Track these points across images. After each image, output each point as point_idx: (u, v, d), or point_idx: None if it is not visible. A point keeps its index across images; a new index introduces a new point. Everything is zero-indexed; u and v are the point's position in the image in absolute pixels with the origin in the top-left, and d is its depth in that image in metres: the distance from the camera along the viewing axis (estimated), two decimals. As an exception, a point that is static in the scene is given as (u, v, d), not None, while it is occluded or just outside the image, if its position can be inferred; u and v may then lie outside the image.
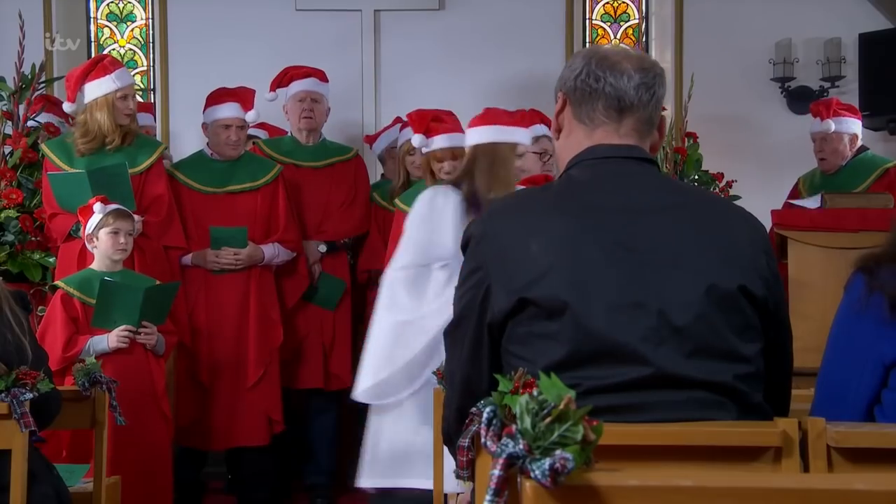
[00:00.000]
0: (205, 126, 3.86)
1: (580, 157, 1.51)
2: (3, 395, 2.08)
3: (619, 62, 1.50)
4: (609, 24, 5.14)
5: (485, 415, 0.94)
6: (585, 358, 1.38)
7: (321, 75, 4.06)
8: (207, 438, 3.71)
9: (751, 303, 1.42)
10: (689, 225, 1.45)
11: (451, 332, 1.52)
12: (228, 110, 3.79)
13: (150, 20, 5.10)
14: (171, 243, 3.66)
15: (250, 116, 3.82)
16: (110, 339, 3.11)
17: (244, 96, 3.83)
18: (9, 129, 3.88)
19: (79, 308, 3.15)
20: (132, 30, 5.15)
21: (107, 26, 5.15)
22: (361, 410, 4.13)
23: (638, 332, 1.38)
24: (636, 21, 5.14)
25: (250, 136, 4.29)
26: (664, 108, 1.57)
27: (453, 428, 1.55)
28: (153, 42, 5.08)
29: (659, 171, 1.54)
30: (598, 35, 5.13)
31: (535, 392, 0.89)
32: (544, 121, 4.09)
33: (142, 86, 5.06)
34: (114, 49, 5.08)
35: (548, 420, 0.85)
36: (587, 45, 5.09)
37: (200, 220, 3.74)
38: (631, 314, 1.38)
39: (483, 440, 0.92)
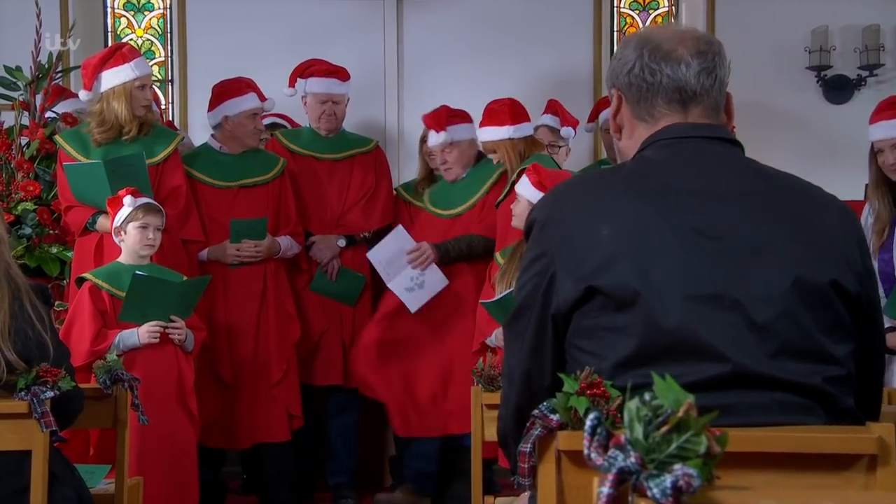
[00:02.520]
0: (225, 119, 3.75)
1: (655, 136, 1.40)
2: (23, 393, 1.99)
3: (673, 50, 1.39)
4: (638, 12, 5.01)
5: (588, 422, 0.83)
6: (657, 353, 1.27)
7: (343, 74, 3.96)
8: (231, 437, 3.63)
9: (842, 299, 1.30)
10: (776, 212, 1.33)
11: (511, 325, 1.41)
12: (252, 101, 3.74)
13: (168, 10, 5.00)
14: (189, 237, 3.58)
15: (268, 105, 3.80)
16: (141, 334, 3.03)
17: (255, 86, 3.79)
18: (25, 120, 3.79)
19: (107, 301, 3.08)
20: (149, 20, 5.05)
21: (123, 16, 5.05)
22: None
23: (715, 327, 1.26)
24: (665, 9, 5.00)
25: (270, 127, 4.23)
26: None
27: (510, 427, 1.44)
28: (171, 32, 4.97)
29: (742, 152, 1.43)
30: (626, 24, 5.00)
31: (647, 396, 0.78)
32: (558, 111, 4.00)
33: (159, 76, 4.96)
34: (131, 39, 4.98)
35: (664, 429, 0.73)
36: (615, 34, 4.97)
37: (214, 214, 3.67)
38: (708, 307, 1.27)
39: (586, 452, 0.80)
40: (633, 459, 0.73)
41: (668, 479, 0.70)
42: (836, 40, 4.65)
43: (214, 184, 3.71)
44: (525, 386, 1.40)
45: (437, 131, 3.76)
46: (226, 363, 3.61)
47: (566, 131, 3.99)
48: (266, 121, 4.26)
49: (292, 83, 3.95)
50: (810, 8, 4.63)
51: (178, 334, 3.10)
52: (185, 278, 3.24)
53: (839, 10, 4.63)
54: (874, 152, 3.18)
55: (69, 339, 2.96)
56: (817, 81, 4.69)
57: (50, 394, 2.00)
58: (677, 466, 0.71)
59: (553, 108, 4.06)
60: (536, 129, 3.93)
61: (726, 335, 1.26)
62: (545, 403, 1.29)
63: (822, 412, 1.29)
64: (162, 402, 2.99)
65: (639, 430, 0.75)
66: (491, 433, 2.32)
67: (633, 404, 0.77)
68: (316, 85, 3.92)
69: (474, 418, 2.33)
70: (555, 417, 1.29)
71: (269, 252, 3.66)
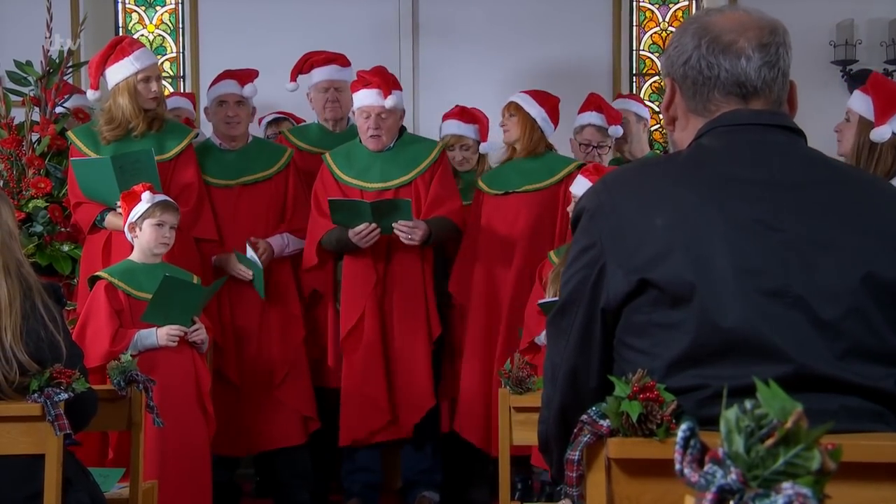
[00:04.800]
0: (207, 111, 3.70)
1: (713, 123, 1.32)
2: (36, 395, 1.91)
3: (734, 42, 1.31)
4: (657, 6, 4.93)
5: (680, 433, 0.74)
6: (713, 352, 1.19)
7: (342, 60, 3.85)
8: (240, 442, 3.54)
9: None
10: (843, 204, 1.25)
11: (556, 321, 1.33)
12: (224, 87, 3.62)
13: (180, 4, 4.94)
14: (201, 235, 3.49)
15: (247, 91, 3.62)
16: (160, 336, 2.96)
17: (242, 74, 3.66)
18: (36, 116, 3.72)
19: (123, 300, 3.01)
20: (161, 15, 4.99)
21: (135, 11, 4.99)
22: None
23: (777, 325, 1.18)
24: (686, 3, 4.91)
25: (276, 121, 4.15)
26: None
27: (553, 431, 1.35)
28: (183, 27, 4.91)
29: (805, 142, 1.34)
30: (645, 18, 4.92)
31: (748, 404, 0.69)
32: (603, 107, 3.78)
33: (170, 73, 4.89)
34: (142, 35, 4.92)
35: (770, 442, 0.65)
36: (634, 28, 4.88)
37: (221, 214, 3.55)
38: (769, 303, 1.19)
39: (678, 466, 0.72)
40: (734, 476, 0.64)
41: (780, 501, 0.62)
42: (861, 34, 4.56)
43: (217, 183, 3.59)
44: (570, 386, 1.32)
45: (385, 94, 3.48)
46: (232, 365, 3.53)
47: (614, 130, 3.74)
48: (270, 117, 4.19)
49: (294, 78, 3.86)
50: (835, 0, 4.54)
51: (198, 336, 3.04)
52: (196, 278, 3.17)
53: (865, 3, 4.54)
54: None
55: (84, 339, 2.89)
56: (842, 76, 4.59)
57: (64, 396, 1.93)
58: (787, 485, 0.63)
59: (597, 103, 3.77)
60: (582, 128, 3.75)
61: (789, 333, 1.18)
62: (594, 408, 1.21)
63: (895, 419, 1.21)
64: (181, 404, 2.93)
65: (739, 443, 0.66)
66: (519, 436, 2.24)
67: (731, 413, 0.69)
68: (317, 74, 3.82)
69: (502, 421, 2.25)
70: (605, 423, 1.21)
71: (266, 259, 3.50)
